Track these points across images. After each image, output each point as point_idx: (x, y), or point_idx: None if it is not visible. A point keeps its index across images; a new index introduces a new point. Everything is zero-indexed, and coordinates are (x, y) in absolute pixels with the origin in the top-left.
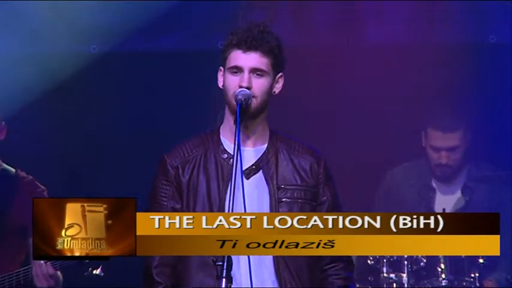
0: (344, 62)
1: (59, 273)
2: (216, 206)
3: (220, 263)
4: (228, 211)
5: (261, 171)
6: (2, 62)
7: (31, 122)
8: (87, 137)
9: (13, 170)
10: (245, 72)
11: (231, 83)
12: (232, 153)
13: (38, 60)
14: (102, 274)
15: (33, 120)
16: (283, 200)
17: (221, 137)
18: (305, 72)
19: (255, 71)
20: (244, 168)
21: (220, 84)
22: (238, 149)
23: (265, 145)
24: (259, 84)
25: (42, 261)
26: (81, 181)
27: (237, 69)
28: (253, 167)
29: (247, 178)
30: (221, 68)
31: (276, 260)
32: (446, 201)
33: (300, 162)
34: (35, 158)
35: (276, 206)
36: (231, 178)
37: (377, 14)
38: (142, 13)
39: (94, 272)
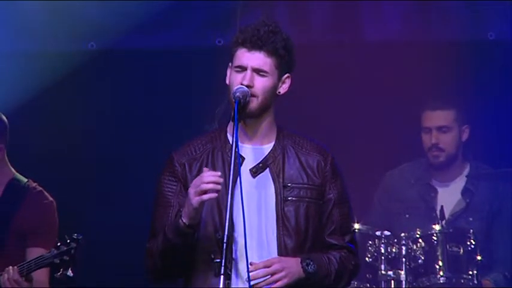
0: (342, 61)
1: (32, 275)
2: (223, 203)
3: (219, 260)
4: (227, 209)
5: (267, 169)
6: (0, 59)
7: (29, 120)
8: (85, 134)
9: (24, 179)
10: (248, 71)
11: (234, 81)
12: (239, 152)
13: (36, 57)
14: (72, 275)
15: (31, 118)
16: (289, 198)
17: (228, 135)
18: (302, 72)
19: (257, 71)
20: (251, 167)
21: (227, 81)
22: (236, 146)
23: (272, 143)
24: (261, 84)
25: (10, 266)
26: (79, 180)
27: (241, 68)
28: (260, 165)
29: (254, 176)
30: (230, 64)
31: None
32: (447, 202)
33: (307, 160)
34: (33, 156)
35: (281, 204)
36: (229, 177)
37: (374, 12)
38: (141, 10)
39: (64, 273)
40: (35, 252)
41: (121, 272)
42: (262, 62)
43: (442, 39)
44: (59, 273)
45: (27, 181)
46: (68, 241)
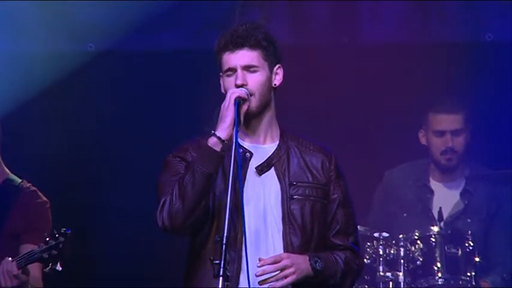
0: (341, 62)
1: (28, 269)
2: (224, 204)
3: (218, 262)
4: (226, 210)
5: (272, 168)
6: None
7: (28, 121)
8: (85, 135)
9: (19, 180)
10: (238, 71)
11: (228, 85)
12: (247, 148)
13: (36, 59)
14: (61, 269)
15: (30, 119)
16: (295, 197)
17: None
18: (302, 72)
19: (247, 67)
20: (256, 165)
21: (222, 90)
22: (236, 149)
23: (277, 143)
24: (254, 80)
25: (9, 259)
26: (79, 180)
27: (231, 71)
28: (265, 164)
29: (260, 175)
30: (220, 73)
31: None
32: (446, 203)
33: (311, 160)
34: (31, 157)
35: (287, 202)
36: (229, 177)
37: (374, 13)
38: (140, 11)
39: (53, 267)
40: (28, 249)
41: (122, 272)
42: (249, 58)
43: (440, 40)
44: (47, 268)
45: (21, 181)
46: (57, 235)
